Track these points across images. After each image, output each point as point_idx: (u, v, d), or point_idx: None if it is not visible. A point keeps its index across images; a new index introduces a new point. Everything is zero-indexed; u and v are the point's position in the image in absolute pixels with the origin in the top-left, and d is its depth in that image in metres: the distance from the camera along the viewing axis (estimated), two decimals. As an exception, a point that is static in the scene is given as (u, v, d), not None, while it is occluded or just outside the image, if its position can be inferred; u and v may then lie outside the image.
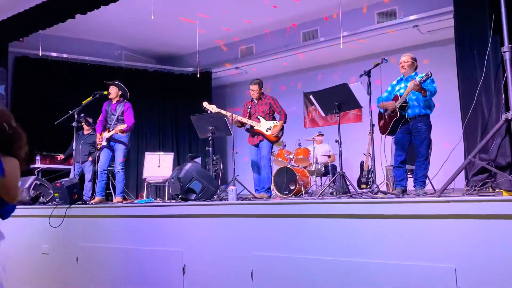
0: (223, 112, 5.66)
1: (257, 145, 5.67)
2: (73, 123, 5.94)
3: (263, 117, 5.64)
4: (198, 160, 8.87)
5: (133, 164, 9.29)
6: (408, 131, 4.48)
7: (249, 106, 5.76)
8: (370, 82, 4.57)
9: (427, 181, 4.59)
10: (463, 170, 4.21)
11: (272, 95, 5.81)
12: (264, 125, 5.60)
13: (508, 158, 4.23)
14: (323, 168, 7.64)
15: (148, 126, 9.85)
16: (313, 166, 7.26)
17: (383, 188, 5.49)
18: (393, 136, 4.75)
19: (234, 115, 5.60)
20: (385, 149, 4.68)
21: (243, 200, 4.86)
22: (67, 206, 5.00)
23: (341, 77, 7.78)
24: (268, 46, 9.25)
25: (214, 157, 6.46)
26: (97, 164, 5.93)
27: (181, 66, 10.35)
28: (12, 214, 2.37)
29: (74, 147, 6.15)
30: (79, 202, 5.28)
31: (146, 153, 8.42)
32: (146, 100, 9.54)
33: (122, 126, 5.64)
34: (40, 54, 8.30)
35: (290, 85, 9.82)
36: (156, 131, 9.98)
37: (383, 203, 3.18)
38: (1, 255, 2.43)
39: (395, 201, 3.22)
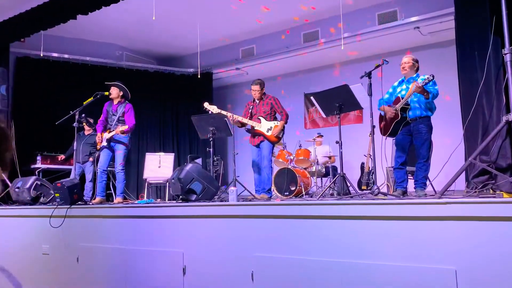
0: (223, 112, 5.66)
1: (258, 146, 5.66)
2: (74, 123, 5.94)
3: (264, 118, 5.63)
4: (199, 160, 8.87)
5: (134, 165, 9.30)
6: (409, 132, 4.49)
7: (251, 107, 5.77)
8: (371, 84, 4.57)
9: (427, 182, 4.59)
10: (464, 171, 4.21)
11: (273, 96, 5.81)
12: (264, 126, 5.59)
13: (509, 160, 4.23)
14: (324, 169, 7.64)
15: (148, 127, 9.85)
16: (314, 167, 7.26)
17: (384, 189, 5.50)
18: (394, 138, 4.75)
19: (234, 116, 5.60)
20: (386, 150, 4.68)
21: (243, 201, 4.86)
22: (68, 206, 5.01)
23: (341, 78, 7.78)
24: (268, 47, 9.26)
25: (215, 158, 6.48)
26: (97, 165, 5.94)
27: (182, 67, 10.35)
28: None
29: (75, 148, 6.15)
30: (79, 202, 5.29)
31: (147, 153, 8.43)
32: (147, 100, 9.53)
33: (124, 127, 5.64)
34: (41, 55, 8.31)
35: (290, 86, 9.81)
36: (157, 132, 9.98)
37: (383, 205, 3.18)
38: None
39: (395, 202, 3.22)
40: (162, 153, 8.36)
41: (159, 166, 8.03)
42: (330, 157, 7.88)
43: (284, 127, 5.65)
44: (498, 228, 2.70)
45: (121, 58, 9.82)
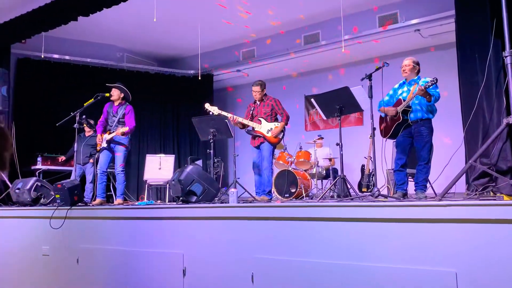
0: (224, 113, 5.67)
1: (258, 147, 5.67)
2: (75, 124, 5.95)
3: (264, 119, 5.63)
4: (199, 162, 8.88)
5: (134, 166, 9.30)
6: (409, 134, 4.49)
7: (252, 108, 5.77)
8: (371, 86, 4.57)
9: (428, 185, 4.59)
10: (464, 174, 4.21)
11: (274, 97, 5.81)
12: (265, 127, 5.59)
13: (509, 163, 4.23)
14: (324, 171, 7.64)
15: (149, 128, 9.86)
16: (314, 169, 7.26)
17: (384, 191, 5.49)
18: (394, 140, 4.75)
19: (235, 117, 5.60)
20: (386, 152, 4.69)
21: (244, 202, 4.86)
22: (68, 207, 5.01)
23: (342, 81, 7.79)
24: (269, 49, 9.27)
25: (215, 160, 6.48)
26: (96, 166, 5.94)
27: (183, 69, 10.36)
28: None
29: (75, 149, 6.16)
30: (80, 203, 5.29)
31: (147, 155, 8.43)
32: (147, 102, 9.55)
33: (124, 129, 5.64)
34: (42, 56, 8.33)
35: (291, 88, 9.81)
36: (157, 133, 9.99)
37: (384, 207, 3.18)
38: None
39: (396, 204, 3.22)
40: (162, 155, 8.36)
41: (159, 167, 8.03)
42: (330, 159, 7.88)
43: (284, 128, 5.64)
44: (498, 230, 2.69)
45: (122, 59, 9.83)
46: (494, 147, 4.23)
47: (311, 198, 6.40)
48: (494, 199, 3.55)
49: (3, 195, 6.88)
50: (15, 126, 8.05)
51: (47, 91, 8.60)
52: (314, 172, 7.25)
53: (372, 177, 5.75)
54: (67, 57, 9.05)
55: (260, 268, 3.61)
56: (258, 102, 5.75)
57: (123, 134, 5.67)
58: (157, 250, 4.29)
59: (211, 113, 5.72)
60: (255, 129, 5.62)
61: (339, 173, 4.91)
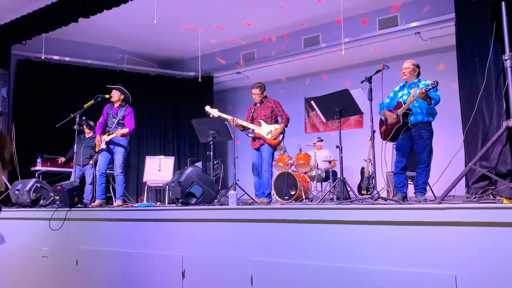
0: (225, 115, 5.67)
1: (258, 149, 5.67)
2: (75, 126, 5.95)
3: (264, 121, 5.63)
4: (199, 164, 8.87)
5: (134, 168, 9.30)
6: (409, 137, 4.49)
7: (252, 110, 5.78)
8: (371, 88, 4.58)
9: (427, 188, 4.59)
10: (464, 177, 4.21)
11: (274, 99, 5.81)
12: (264, 129, 5.60)
13: (509, 166, 4.22)
14: (324, 174, 7.64)
15: (149, 130, 9.86)
16: (314, 172, 7.26)
17: (384, 194, 5.50)
18: (394, 142, 4.75)
19: (235, 119, 5.60)
20: (386, 155, 4.69)
21: (243, 205, 4.86)
22: (68, 209, 5.01)
23: (342, 83, 7.80)
24: (269, 51, 9.28)
25: (215, 162, 6.48)
26: (95, 167, 5.94)
27: (183, 71, 10.37)
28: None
29: (75, 150, 6.15)
30: (79, 205, 5.28)
31: (147, 156, 8.42)
32: (147, 103, 9.56)
33: (124, 130, 5.64)
34: (43, 57, 8.34)
35: (290, 91, 9.82)
36: (157, 135, 9.99)
37: (383, 210, 3.18)
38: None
39: (395, 207, 3.22)
40: (162, 157, 8.36)
41: (159, 169, 8.03)
42: (330, 162, 7.88)
43: (284, 130, 5.64)
44: (498, 233, 2.69)
45: (122, 61, 9.84)
46: (494, 150, 4.23)
47: (311, 201, 6.40)
48: (494, 202, 3.56)
49: (3, 196, 6.88)
50: (15, 128, 8.05)
51: (47, 92, 8.60)
52: (313, 174, 7.25)
53: (372, 180, 5.74)
54: (67, 59, 9.06)
55: (260, 271, 3.61)
56: (258, 104, 5.75)
57: (123, 135, 5.67)
58: (157, 252, 4.28)
59: (211, 115, 5.72)
60: (255, 131, 5.62)
61: (339, 175, 4.91)
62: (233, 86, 10.67)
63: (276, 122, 5.70)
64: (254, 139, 5.70)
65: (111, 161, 5.90)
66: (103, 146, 5.76)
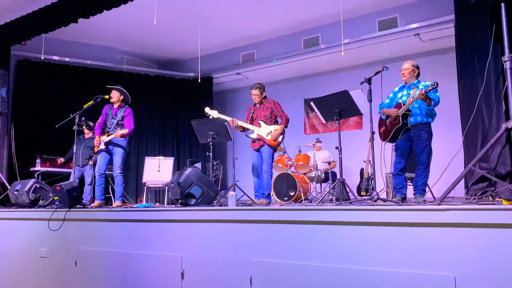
0: (224, 117, 5.66)
1: (258, 150, 5.66)
2: (74, 126, 5.94)
3: (264, 122, 5.63)
4: (198, 165, 8.87)
5: (133, 169, 9.28)
6: (409, 138, 4.49)
7: (252, 111, 5.77)
8: (370, 90, 4.58)
9: (427, 189, 4.59)
10: (463, 178, 4.21)
11: (274, 100, 5.81)
12: (264, 130, 5.59)
13: (508, 167, 4.23)
14: (323, 175, 7.64)
15: (148, 131, 9.85)
16: (313, 173, 7.26)
17: (383, 195, 5.49)
18: (393, 143, 4.75)
19: (235, 120, 5.60)
20: (385, 156, 4.69)
21: (242, 205, 4.86)
22: (67, 209, 5.00)
23: (342, 84, 7.80)
24: (269, 52, 9.28)
25: (214, 162, 6.48)
26: (94, 168, 5.93)
27: (183, 71, 10.37)
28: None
29: (74, 151, 6.15)
30: (78, 205, 5.28)
31: (146, 157, 8.42)
32: (147, 104, 9.56)
33: (124, 131, 5.63)
34: (42, 58, 8.33)
35: (290, 92, 9.82)
36: (157, 136, 9.98)
37: (382, 211, 3.18)
38: None
39: (394, 208, 3.22)
40: (161, 157, 8.35)
41: (158, 170, 8.03)
42: (329, 163, 7.88)
43: (284, 131, 5.64)
44: (497, 235, 2.69)
45: (122, 61, 9.84)
46: (493, 152, 4.23)
47: (310, 202, 6.40)
48: (493, 204, 3.55)
49: (2, 196, 6.88)
50: (15, 128, 8.05)
51: (46, 92, 8.60)
52: (313, 175, 7.26)
53: (371, 181, 5.73)
54: (67, 59, 9.05)
55: (259, 271, 3.60)
56: (258, 105, 5.75)
57: (122, 136, 5.67)
58: (156, 252, 4.28)
59: (211, 117, 5.72)
60: (255, 131, 5.62)
61: (338, 176, 4.91)
62: (233, 87, 10.67)
63: (276, 123, 5.69)
64: (254, 140, 5.70)
65: (110, 162, 5.89)
66: (102, 146, 5.76)
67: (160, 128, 10.03)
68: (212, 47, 9.56)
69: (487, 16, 4.61)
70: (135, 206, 5.85)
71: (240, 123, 5.63)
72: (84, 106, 5.90)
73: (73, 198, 5.12)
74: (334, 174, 7.78)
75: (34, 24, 7.19)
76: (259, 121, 5.65)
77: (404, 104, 4.48)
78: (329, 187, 7.12)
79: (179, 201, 4.82)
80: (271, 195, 5.86)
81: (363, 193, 6.71)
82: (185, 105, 10.08)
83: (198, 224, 4.08)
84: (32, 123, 8.27)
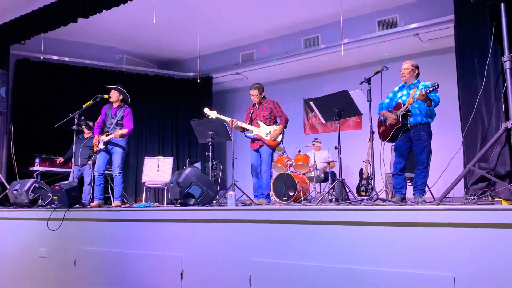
0: (223, 117, 5.66)
1: (257, 150, 5.66)
2: (73, 126, 5.94)
3: (263, 122, 5.62)
4: (198, 165, 8.87)
5: (132, 168, 9.28)
6: (408, 138, 4.49)
7: (251, 111, 5.77)
8: (370, 90, 4.58)
9: (426, 189, 4.59)
10: (463, 178, 4.22)
11: (273, 100, 5.80)
12: (263, 130, 5.59)
13: (508, 167, 4.23)
14: (323, 175, 7.64)
15: (147, 130, 9.85)
16: (313, 173, 7.26)
17: (382, 195, 5.50)
18: (393, 143, 4.75)
19: (234, 120, 5.59)
20: (385, 156, 4.69)
21: (242, 205, 4.85)
22: (66, 209, 4.99)
23: (341, 84, 7.80)
24: (268, 52, 9.28)
25: (214, 162, 6.47)
26: (94, 168, 5.92)
27: (182, 71, 10.36)
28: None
29: (73, 150, 6.14)
30: (77, 205, 5.27)
31: (146, 157, 8.41)
32: (146, 104, 9.56)
33: (123, 131, 5.63)
34: (42, 57, 8.32)
35: (290, 91, 9.82)
36: (156, 135, 9.97)
37: (382, 211, 3.18)
38: None
39: (394, 208, 3.22)
40: (161, 157, 8.35)
41: (157, 170, 8.02)
42: (329, 163, 7.88)
43: (283, 131, 5.63)
44: (496, 235, 2.69)
45: (121, 61, 9.83)
46: (493, 152, 4.23)
47: (310, 202, 6.39)
48: (493, 204, 3.55)
49: (1, 196, 6.87)
50: (14, 128, 8.04)
51: (46, 92, 8.59)
52: (312, 175, 7.25)
53: (371, 181, 5.75)
54: (66, 59, 9.04)
55: (258, 271, 3.60)
56: (257, 105, 5.74)
57: (122, 136, 5.66)
58: (155, 252, 4.28)
59: (210, 117, 5.71)
60: (254, 132, 5.62)
61: (338, 176, 4.90)
62: (232, 87, 10.67)
63: (275, 123, 5.69)
64: (253, 140, 5.70)
65: (110, 162, 5.89)
66: (101, 146, 5.75)
67: (160, 128, 10.02)
68: (212, 47, 9.56)
69: (487, 16, 4.61)
70: (134, 206, 5.85)
71: (239, 123, 5.62)
72: (84, 105, 5.89)
73: (72, 198, 5.12)
74: (333, 174, 7.78)
75: (34, 24, 7.18)
76: (258, 122, 5.65)
77: (403, 104, 4.49)
78: (329, 187, 7.12)
79: (179, 201, 4.82)
80: (270, 195, 5.86)
81: (362, 193, 6.70)
82: (184, 105, 10.07)
83: (197, 224, 4.07)
84: (32, 122, 8.27)
